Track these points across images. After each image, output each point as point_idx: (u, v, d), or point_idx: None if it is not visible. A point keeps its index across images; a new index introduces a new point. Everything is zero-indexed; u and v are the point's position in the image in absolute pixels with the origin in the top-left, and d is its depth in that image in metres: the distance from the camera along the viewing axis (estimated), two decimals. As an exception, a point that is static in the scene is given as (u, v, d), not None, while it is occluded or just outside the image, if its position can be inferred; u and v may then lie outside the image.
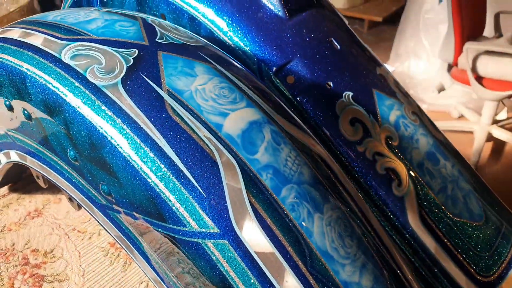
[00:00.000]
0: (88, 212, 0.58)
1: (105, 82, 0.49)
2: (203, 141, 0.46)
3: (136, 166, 0.46)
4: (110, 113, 0.47)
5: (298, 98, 0.69)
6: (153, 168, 0.45)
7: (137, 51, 0.52)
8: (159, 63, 0.52)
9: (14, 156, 0.71)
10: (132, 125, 0.46)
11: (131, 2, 0.84)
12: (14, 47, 0.56)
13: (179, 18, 0.75)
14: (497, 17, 1.92)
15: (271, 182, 0.46)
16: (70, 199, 0.80)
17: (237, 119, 0.49)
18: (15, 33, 0.59)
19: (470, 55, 1.60)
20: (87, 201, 0.57)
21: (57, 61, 0.52)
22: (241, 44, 0.70)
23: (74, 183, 0.58)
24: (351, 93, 0.71)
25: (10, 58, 0.56)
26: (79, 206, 0.74)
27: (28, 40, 0.56)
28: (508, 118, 1.90)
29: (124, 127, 0.46)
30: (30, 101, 0.54)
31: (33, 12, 1.64)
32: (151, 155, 0.45)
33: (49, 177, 0.63)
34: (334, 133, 0.69)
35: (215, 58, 0.56)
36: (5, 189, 1.09)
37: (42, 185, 0.78)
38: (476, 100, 2.07)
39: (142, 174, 0.46)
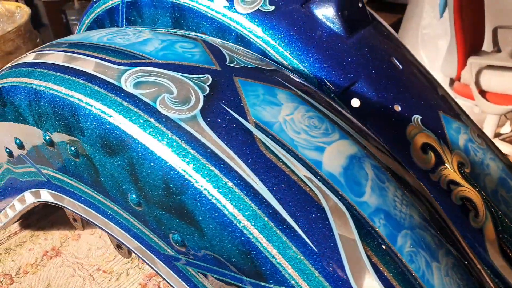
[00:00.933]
0: (146, 262, 0.50)
1: (181, 114, 0.41)
2: (304, 182, 0.39)
3: (228, 214, 0.38)
4: (193, 151, 0.39)
5: (365, 123, 0.62)
6: (251, 218, 0.38)
7: (210, 77, 0.45)
8: (238, 91, 0.44)
9: (46, 196, 0.62)
10: (221, 165, 0.39)
11: (164, 21, 0.77)
12: (59, 74, 0.48)
13: (224, 37, 0.69)
14: (495, 31, 1.93)
15: (385, 230, 0.39)
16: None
17: (335, 154, 0.42)
18: (57, 57, 0.51)
19: (473, 69, 1.60)
20: (146, 250, 0.49)
21: (118, 89, 0.44)
22: (300, 65, 0.63)
23: (130, 230, 0.50)
24: (419, 117, 0.65)
25: (55, 86, 0.48)
26: (129, 253, 0.66)
27: (75, 65, 0.49)
28: (511, 132, 1.89)
29: (212, 168, 0.39)
30: (82, 136, 0.46)
31: (30, 32, 1.56)
32: (248, 201, 0.38)
33: (94, 221, 0.55)
34: (405, 161, 0.62)
35: (293, 83, 0.49)
36: (16, 225, 0.99)
37: (80, 228, 0.69)
38: (477, 114, 2.05)
39: (237, 224, 0.38)
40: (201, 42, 0.52)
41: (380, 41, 0.70)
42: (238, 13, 0.67)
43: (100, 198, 0.51)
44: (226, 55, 0.50)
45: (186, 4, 0.72)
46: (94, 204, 0.53)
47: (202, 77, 0.45)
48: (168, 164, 0.40)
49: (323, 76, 0.63)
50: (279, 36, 0.65)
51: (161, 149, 0.40)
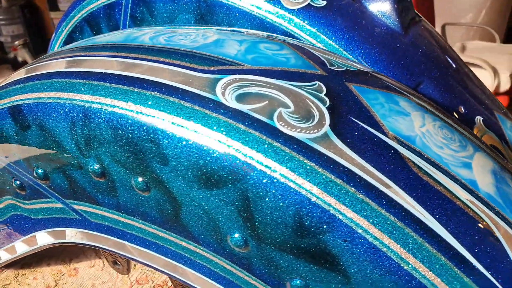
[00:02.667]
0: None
1: (309, 133, 0.33)
2: (470, 207, 0.33)
3: (392, 256, 0.31)
4: (336, 179, 0.31)
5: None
6: (424, 259, 0.30)
7: (322, 85, 0.37)
8: (361, 101, 0.37)
9: (76, 236, 0.50)
10: (376, 194, 0.31)
11: (184, 19, 0.67)
12: (121, 86, 0.37)
13: (267, 36, 0.60)
14: (443, 28, 2.01)
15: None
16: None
17: (480, 170, 0.36)
18: (107, 65, 0.40)
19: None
20: (241, 299, 0.40)
21: (217, 105, 0.34)
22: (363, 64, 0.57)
23: (216, 275, 0.40)
24: (481, 118, 0.62)
25: (119, 103, 0.37)
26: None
27: (140, 74, 0.38)
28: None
29: (366, 199, 0.31)
30: (162, 166, 0.36)
31: None
32: (417, 238, 0.31)
33: (155, 265, 0.44)
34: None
35: (399, 85, 0.43)
36: (-3, 265, 0.83)
37: (124, 272, 0.57)
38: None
39: (404, 266, 0.31)
40: (282, 42, 0.44)
41: (431, 38, 0.65)
42: (285, 8, 0.59)
43: (172, 238, 0.41)
44: (321, 57, 0.42)
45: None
46: (160, 245, 0.43)
47: (313, 84, 0.37)
48: (305, 197, 0.32)
49: (389, 76, 0.57)
50: (336, 34, 0.58)
51: (292, 178, 0.32)
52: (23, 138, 0.45)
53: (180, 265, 0.42)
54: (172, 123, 0.35)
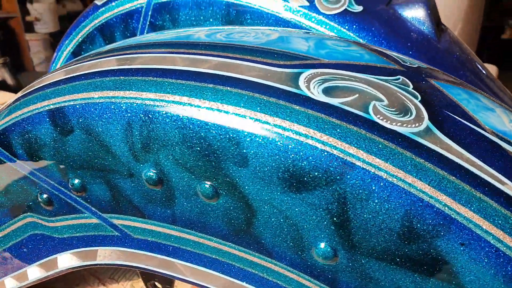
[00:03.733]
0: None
1: (411, 127, 0.30)
2: None
3: (516, 260, 0.28)
4: (451, 178, 0.28)
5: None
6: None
7: (406, 80, 0.35)
8: (447, 95, 0.35)
9: (110, 256, 0.44)
10: (489, 191, 0.29)
11: (211, 26, 0.64)
12: (189, 82, 0.34)
13: (302, 42, 0.58)
14: None
15: None
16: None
17: None
18: (170, 61, 0.36)
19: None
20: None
21: (303, 99, 0.31)
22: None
23: (290, 293, 0.36)
24: (518, 124, 0.61)
25: (185, 99, 0.33)
26: None
27: (209, 69, 0.35)
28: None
29: (484, 197, 0.28)
30: (240, 168, 0.32)
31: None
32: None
33: (210, 285, 0.40)
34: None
35: (470, 85, 0.41)
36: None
37: None
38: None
39: (530, 272, 0.28)
40: (346, 40, 0.42)
41: (460, 45, 0.65)
42: (322, 13, 0.57)
43: (236, 252, 0.37)
44: (389, 53, 0.40)
45: (248, 5, 0.60)
46: (220, 262, 0.38)
47: (397, 79, 0.35)
48: (416, 198, 0.28)
49: (432, 83, 0.56)
50: (375, 39, 0.56)
51: (401, 177, 0.29)
52: (62, 145, 0.40)
53: (244, 284, 0.38)
54: (256, 119, 0.31)
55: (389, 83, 0.34)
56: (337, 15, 0.57)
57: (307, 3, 0.57)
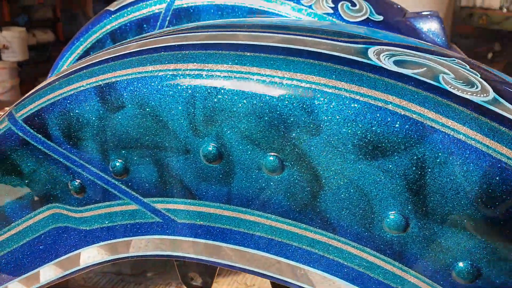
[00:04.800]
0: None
1: (480, 96, 0.32)
2: None
3: None
4: (527, 140, 0.30)
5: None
6: None
7: (462, 62, 0.37)
8: (500, 75, 0.37)
9: (147, 246, 0.42)
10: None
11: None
12: (257, 54, 0.34)
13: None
14: None
15: None
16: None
17: None
18: (232, 37, 0.37)
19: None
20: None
21: (376, 69, 0.32)
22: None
23: (352, 273, 0.35)
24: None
25: (254, 69, 0.33)
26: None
27: (276, 43, 0.35)
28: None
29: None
30: (312, 137, 0.32)
31: None
32: None
33: (259, 269, 0.38)
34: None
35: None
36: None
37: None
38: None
39: None
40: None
41: (465, 58, 0.69)
42: (345, 21, 0.60)
43: (295, 229, 0.36)
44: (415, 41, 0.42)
45: (271, 11, 0.62)
46: (274, 242, 0.37)
47: (454, 60, 0.36)
48: (494, 159, 0.29)
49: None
50: (396, 46, 0.59)
51: (479, 139, 0.30)
52: (108, 123, 0.39)
53: (300, 265, 0.37)
54: (331, 86, 0.32)
55: (449, 62, 0.35)
56: (360, 22, 0.60)
57: (331, 11, 0.60)
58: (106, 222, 0.43)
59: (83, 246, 0.46)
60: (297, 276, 0.37)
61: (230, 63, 0.34)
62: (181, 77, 0.35)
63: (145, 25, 0.71)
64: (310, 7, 0.61)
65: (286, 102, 0.32)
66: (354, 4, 0.60)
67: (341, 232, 0.34)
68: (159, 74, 0.36)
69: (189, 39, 0.38)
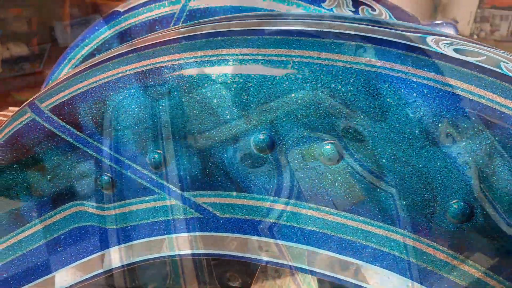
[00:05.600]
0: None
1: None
2: None
3: None
4: None
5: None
6: None
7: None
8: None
9: (184, 243, 0.39)
10: None
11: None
12: (313, 39, 0.33)
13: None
14: None
15: None
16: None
17: None
18: (283, 24, 0.36)
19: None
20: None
21: (441, 55, 0.32)
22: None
23: (403, 264, 0.34)
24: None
25: (314, 53, 0.32)
26: None
27: (327, 28, 0.34)
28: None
29: None
30: (377, 123, 0.31)
31: None
32: None
33: (314, 268, 0.36)
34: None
35: None
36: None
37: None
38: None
39: None
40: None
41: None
42: (366, 24, 0.60)
43: (351, 222, 0.34)
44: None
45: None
46: (326, 236, 0.35)
47: (504, 52, 0.37)
48: None
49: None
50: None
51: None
52: (149, 111, 0.36)
53: (353, 260, 0.35)
54: (398, 71, 0.31)
55: (502, 53, 0.36)
56: (379, 26, 0.61)
57: (351, 14, 0.60)
58: (137, 220, 0.41)
59: (108, 247, 0.43)
60: (349, 271, 0.36)
61: (288, 47, 0.33)
62: (234, 62, 0.34)
63: (157, 27, 0.69)
64: (331, 10, 0.62)
65: (350, 87, 0.32)
66: (373, 9, 0.61)
67: (401, 224, 0.33)
68: (211, 59, 0.35)
69: (239, 25, 0.37)
